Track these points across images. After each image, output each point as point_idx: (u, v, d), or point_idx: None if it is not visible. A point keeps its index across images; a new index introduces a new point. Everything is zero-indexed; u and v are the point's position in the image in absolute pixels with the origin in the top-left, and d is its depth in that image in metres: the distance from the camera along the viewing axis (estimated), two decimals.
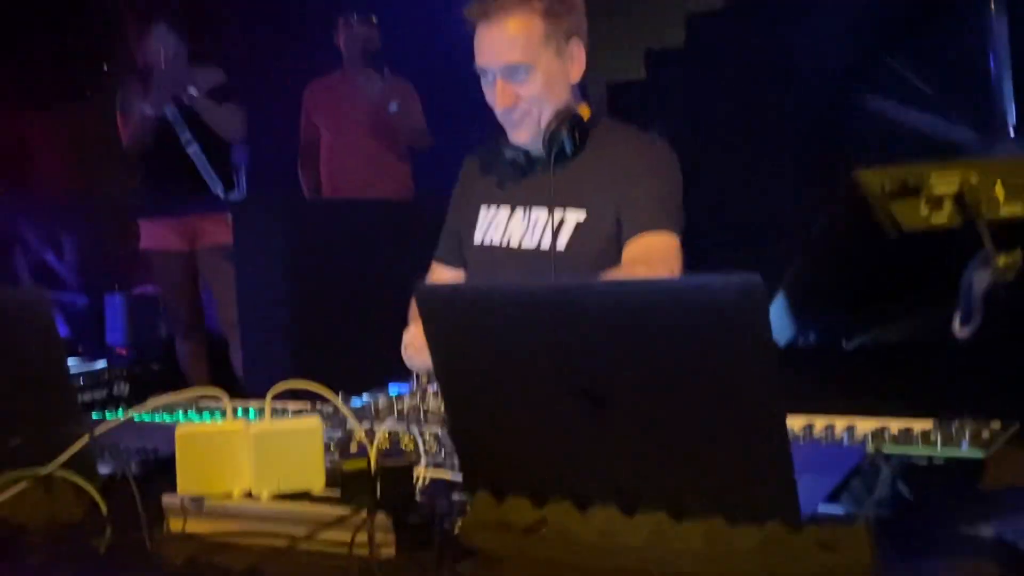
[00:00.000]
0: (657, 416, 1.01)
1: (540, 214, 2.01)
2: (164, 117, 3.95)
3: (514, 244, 2.03)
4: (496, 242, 2.06)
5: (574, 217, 1.98)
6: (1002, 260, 0.80)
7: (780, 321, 1.05)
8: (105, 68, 4.94)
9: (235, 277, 3.62)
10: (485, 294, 1.12)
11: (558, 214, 1.97)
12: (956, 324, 0.86)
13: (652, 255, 1.87)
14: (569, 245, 1.97)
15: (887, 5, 4.30)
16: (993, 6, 4.20)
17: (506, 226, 2.06)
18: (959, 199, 0.81)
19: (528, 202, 2.04)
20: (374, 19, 4.28)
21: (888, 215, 0.80)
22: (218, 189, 4.06)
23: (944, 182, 0.81)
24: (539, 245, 2.00)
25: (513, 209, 2.06)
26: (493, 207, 2.09)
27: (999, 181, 0.80)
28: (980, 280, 0.82)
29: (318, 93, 4.45)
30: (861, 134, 4.38)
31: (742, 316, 0.91)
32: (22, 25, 4.88)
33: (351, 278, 3.46)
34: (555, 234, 1.97)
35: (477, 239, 2.10)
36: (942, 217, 0.82)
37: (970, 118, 4.21)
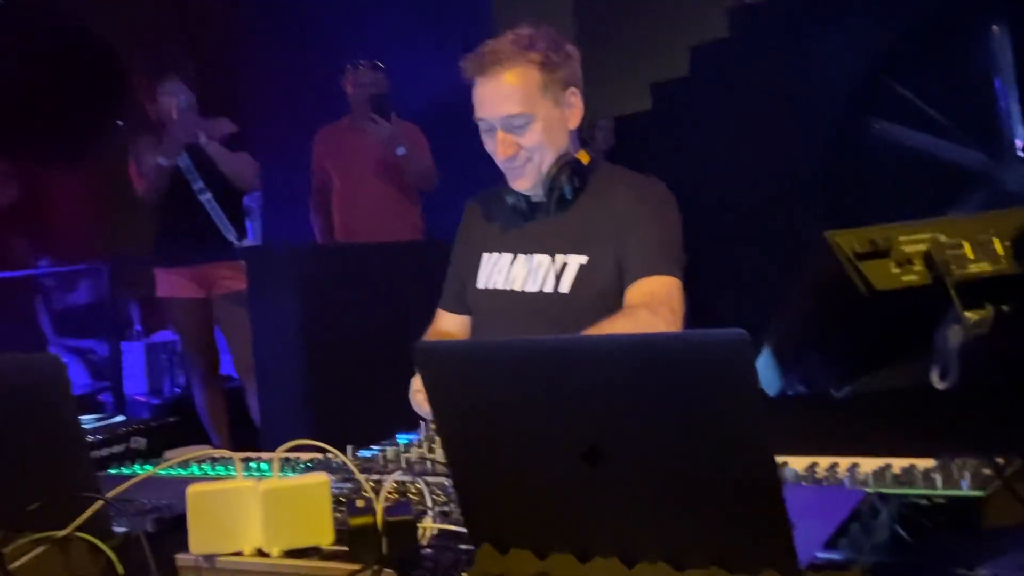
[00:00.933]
0: (653, 468, 1.03)
1: (542, 258, 2.04)
2: (177, 167, 4.02)
3: (517, 287, 2.06)
4: (499, 286, 2.09)
5: (577, 261, 2.01)
6: (973, 317, 0.82)
7: (768, 372, 1.07)
8: (119, 122, 5.03)
9: (250, 323, 3.66)
10: (481, 350, 1.14)
11: (560, 258, 2.01)
12: (935, 377, 0.88)
13: (654, 298, 1.89)
14: (573, 288, 2.00)
15: (892, 30, 4.33)
16: (996, 29, 4.22)
17: (509, 271, 2.09)
18: (928, 258, 0.83)
19: (530, 248, 2.07)
20: (381, 64, 4.34)
21: (860, 275, 0.82)
22: (231, 236, 4.12)
23: (913, 242, 0.83)
24: (542, 288, 2.03)
25: (515, 255, 2.09)
26: (495, 253, 2.12)
27: (967, 240, 0.83)
28: (954, 335, 0.84)
29: (327, 139, 4.51)
30: (869, 159, 4.40)
31: (730, 369, 0.93)
32: (37, 84, 4.99)
33: (364, 322, 3.49)
34: (559, 277, 2.00)
35: (480, 283, 2.13)
36: (912, 276, 0.83)
37: (978, 140, 4.22)
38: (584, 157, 2.05)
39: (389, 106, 4.23)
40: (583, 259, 2.00)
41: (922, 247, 0.83)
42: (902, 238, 0.84)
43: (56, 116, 5.04)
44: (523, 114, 1.97)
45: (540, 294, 2.02)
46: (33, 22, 5.02)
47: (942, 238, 0.82)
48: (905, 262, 0.84)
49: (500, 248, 2.12)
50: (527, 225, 2.08)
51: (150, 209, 4.15)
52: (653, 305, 1.87)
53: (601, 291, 1.98)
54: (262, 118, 5.04)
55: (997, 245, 0.81)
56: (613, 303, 1.97)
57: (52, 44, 5.09)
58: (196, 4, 6.13)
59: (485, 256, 2.14)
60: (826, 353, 1.02)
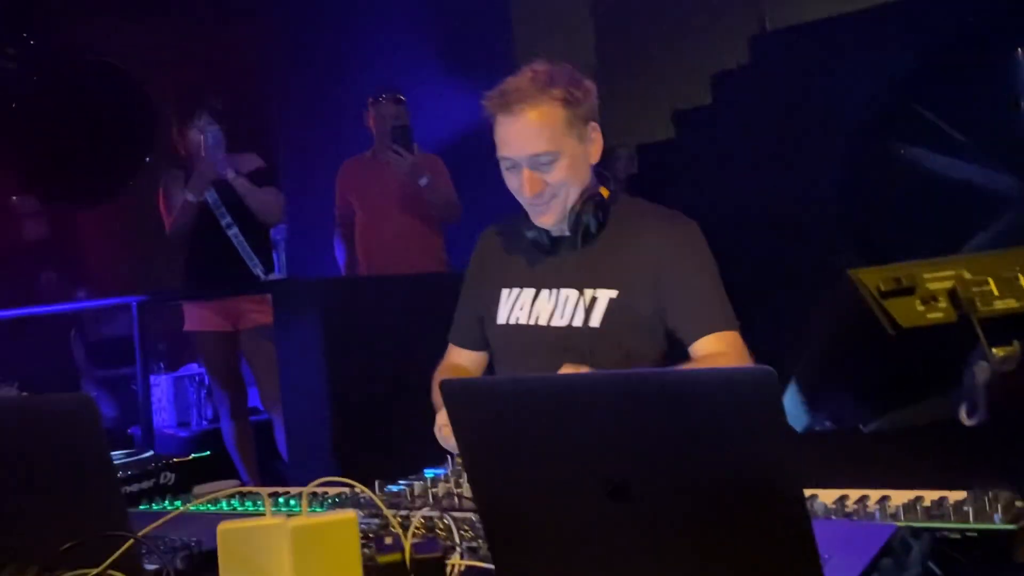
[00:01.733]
0: (680, 505, 1.03)
1: (569, 293, 2.03)
2: (205, 202, 4.07)
3: (543, 322, 2.05)
4: (523, 321, 2.07)
5: (606, 295, 2.00)
6: (1000, 353, 0.82)
7: (795, 407, 1.07)
8: (148, 159, 5.10)
9: (276, 356, 3.68)
10: (507, 386, 1.15)
11: (589, 292, 2.00)
12: (963, 414, 0.88)
13: (728, 359, 1.89)
14: (603, 322, 1.99)
15: (916, 54, 4.32)
16: (1021, 52, 4.20)
17: (532, 306, 2.07)
18: (953, 295, 0.83)
19: (555, 282, 2.06)
20: (402, 97, 4.38)
21: (885, 313, 0.82)
22: (258, 270, 4.15)
23: (937, 279, 0.83)
24: (571, 322, 2.01)
25: (539, 290, 2.08)
26: (516, 289, 2.11)
27: (991, 277, 0.82)
28: (980, 372, 0.83)
29: (351, 172, 4.55)
30: (895, 184, 4.38)
31: (756, 405, 0.93)
32: (67, 122, 5.08)
33: (390, 354, 3.50)
34: (588, 312, 2.00)
35: (501, 319, 2.11)
36: (938, 314, 0.83)
37: (1005, 163, 4.19)
38: (604, 191, 2.05)
39: (411, 137, 4.26)
40: (612, 293, 1.99)
41: (947, 284, 0.83)
42: (927, 275, 0.84)
43: (86, 153, 5.13)
44: (549, 152, 1.97)
45: (569, 328, 2.01)
46: (63, 59, 5.12)
47: (967, 275, 0.82)
48: (930, 299, 0.83)
49: (521, 283, 2.11)
50: (549, 259, 2.07)
51: (178, 244, 4.20)
52: (728, 362, 1.88)
53: (632, 325, 1.98)
54: (286, 151, 5.10)
55: (1023, 281, 0.81)
56: (645, 338, 1.98)
57: (82, 81, 5.18)
58: (223, 40, 6.23)
59: (505, 291, 2.12)
60: (853, 390, 1.01)
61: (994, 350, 0.82)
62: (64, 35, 5.13)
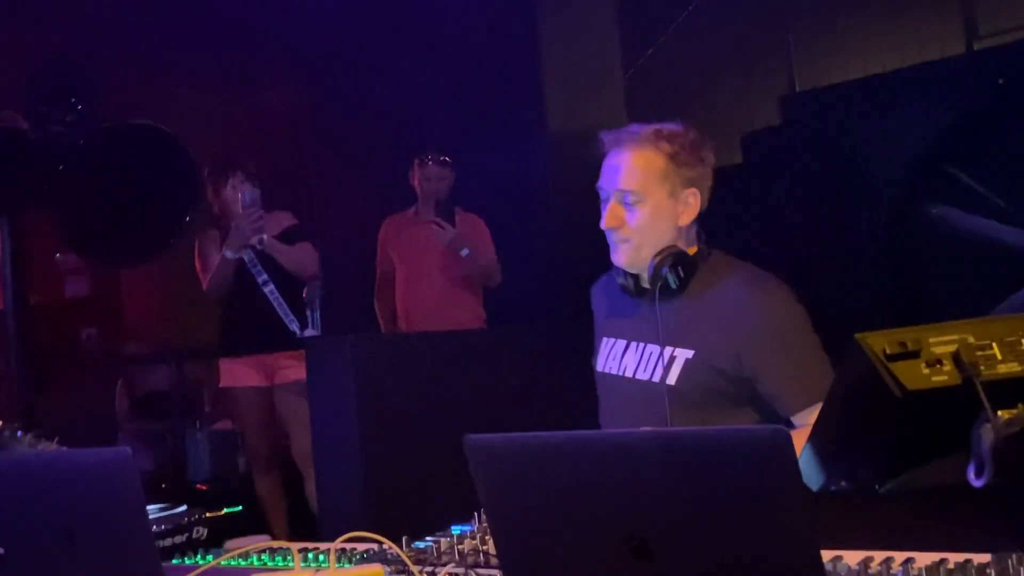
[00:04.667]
0: (701, 563, 1.04)
1: (652, 348, 2.10)
2: (241, 260, 4.15)
3: (629, 374, 2.13)
4: (614, 371, 2.17)
5: (684, 354, 2.04)
6: (1005, 416, 0.83)
7: (810, 468, 1.09)
8: (187, 219, 5.23)
9: (309, 412, 3.72)
10: (530, 444, 1.17)
11: (669, 350, 2.05)
12: (971, 475, 0.89)
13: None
14: (679, 380, 2.03)
15: (950, 115, 4.33)
16: None
17: (622, 357, 2.16)
18: (957, 359, 0.85)
19: (640, 336, 2.13)
20: (447, 159, 4.45)
21: (891, 376, 0.85)
22: (294, 326, 4.21)
23: (942, 343, 0.85)
24: (651, 377, 2.08)
25: (628, 342, 2.17)
26: (612, 339, 2.22)
27: (995, 341, 0.84)
28: (986, 435, 0.85)
29: (393, 229, 4.61)
30: (929, 245, 4.37)
31: (770, 465, 0.95)
32: (109, 182, 5.22)
33: (422, 411, 3.52)
34: (667, 369, 2.04)
35: (599, 367, 2.23)
36: (943, 377, 0.85)
37: None
38: (693, 250, 2.09)
39: (452, 208, 4.34)
40: (689, 353, 2.03)
41: (951, 348, 0.85)
42: (931, 339, 0.86)
43: (128, 214, 5.26)
44: (634, 192, 2.04)
45: (649, 383, 2.07)
46: (105, 121, 5.28)
47: (971, 339, 0.84)
48: (935, 363, 0.85)
49: (616, 334, 2.21)
50: (638, 313, 2.14)
51: (216, 300, 4.28)
52: None
53: (705, 386, 2.01)
54: (322, 206, 5.18)
55: None
56: (721, 399, 2.01)
57: (125, 143, 5.33)
58: (257, 97, 6.40)
59: (604, 340, 2.23)
60: (866, 451, 1.02)
61: (999, 413, 0.84)
62: (108, 100, 5.30)
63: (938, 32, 5.08)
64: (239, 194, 4.12)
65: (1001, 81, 4.27)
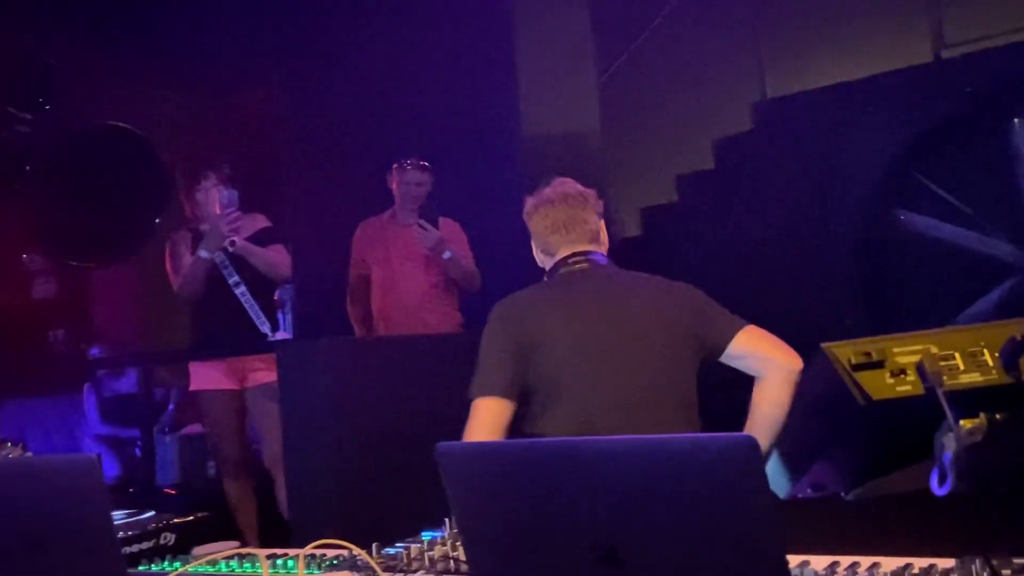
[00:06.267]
0: (668, 570, 1.05)
1: None
2: (212, 261, 4.12)
3: None
4: None
5: None
6: (967, 425, 0.84)
7: (778, 475, 1.09)
8: (157, 220, 5.19)
9: (279, 416, 3.69)
10: (499, 451, 1.17)
11: None
12: (934, 483, 0.90)
13: (762, 345, 2.05)
14: None
15: (919, 123, 4.38)
16: (1018, 122, 4.27)
17: None
18: (921, 369, 0.86)
19: None
20: (427, 164, 4.44)
21: (856, 386, 0.85)
22: (265, 328, 4.19)
23: (906, 353, 0.86)
24: None
25: None
26: None
27: (958, 352, 0.86)
28: (948, 444, 0.86)
29: (369, 232, 4.58)
30: (897, 251, 4.41)
31: (738, 472, 0.96)
32: (78, 183, 5.17)
33: (395, 416, 3.51)
34: None
35: None
36: (907, 387, 0.86)
37: (1004, 231, 4.23)
38: None
39: (435, 211, 4.33)
40: None
41: (915, 358, 0.86)
42: (896, 349, 0.87)
43: (97, 215, 5.21)
44: None
45: None
46: (73, 121, 5.23)
47: (934, 350, 0.85)
48: (899, 372, 0.87)
49: None
50: None
51: (187, 301, 4.24)
52: (771, 348, 2.02)
53: None
54: (298, 209, 5.15)
55: (987, 357, 0.84)
56: None
57: (94, 144, 5.28)
58: (231, 101, 6.35)
59: None
60: (831, 459, 1.03)
61: (961, 422, 0.85)
62: (76, 101, 5.25)
63: (907, 40, 5.14)
64: (216, 194, 4.09)
65: (969, 89, 4.33)
